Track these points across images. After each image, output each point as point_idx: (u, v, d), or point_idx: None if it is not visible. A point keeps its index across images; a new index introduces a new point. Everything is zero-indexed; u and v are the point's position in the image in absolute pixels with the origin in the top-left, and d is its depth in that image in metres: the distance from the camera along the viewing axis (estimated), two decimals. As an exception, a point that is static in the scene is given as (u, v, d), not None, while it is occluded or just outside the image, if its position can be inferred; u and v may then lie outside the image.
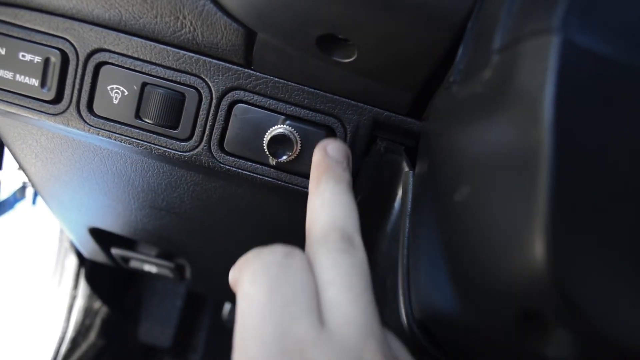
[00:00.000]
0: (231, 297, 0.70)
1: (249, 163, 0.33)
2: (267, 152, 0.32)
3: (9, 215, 0.76)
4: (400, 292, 0.31)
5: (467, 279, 0.22)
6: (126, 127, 0.34)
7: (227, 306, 0.74)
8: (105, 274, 0.73)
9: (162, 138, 0.34)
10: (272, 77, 0.32)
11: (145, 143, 0.34)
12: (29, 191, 0.78)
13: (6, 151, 0.79)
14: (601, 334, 0.17)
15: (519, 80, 0.19)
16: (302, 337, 0.18)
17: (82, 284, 0.70)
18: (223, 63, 0.32)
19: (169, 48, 0.32)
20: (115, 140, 0.34)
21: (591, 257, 0.17)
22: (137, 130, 0.34)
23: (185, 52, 0.32)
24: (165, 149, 0.34)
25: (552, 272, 0.17)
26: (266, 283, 0.19)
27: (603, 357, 0.18)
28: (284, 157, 0.32)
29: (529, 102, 0.18)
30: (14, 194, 0.77)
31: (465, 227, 0.22)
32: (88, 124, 0.34)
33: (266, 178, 0.33)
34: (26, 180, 0.76)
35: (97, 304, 0.71)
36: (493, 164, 0.21)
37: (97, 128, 0.34)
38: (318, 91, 0.32)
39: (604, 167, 0.18)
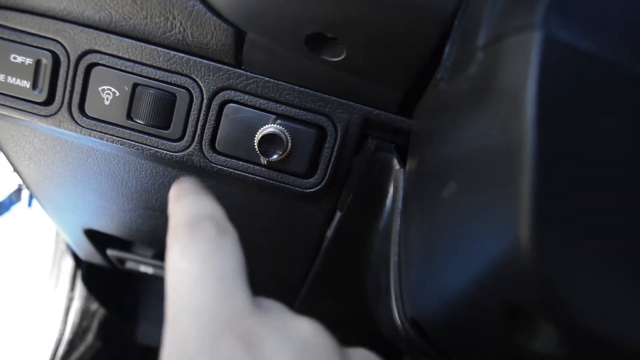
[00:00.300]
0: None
1: (241, 162, 0.33)
2: (258, 151, 0.32)
3: (5, 217, 0.76)
4: (392, 289, 0.32)
5: (454, 274, 0.22)
6: (118, 128, 0.34)
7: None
8: (102, 275, 0.73)
9: (154, 138, 0.34)
10: (262, 77, 0.32)
11: (137, 144, 0.34)
12: (25, 193, 0.78)
13: (0, 154, 0.79)
14: (585, 327, 0.17)
15: (502, 75, 0.19)
16: (239, 309, 0.18)
17: (79, 286, 0.70)
18: (213, 63, 0.32)
19: (159, 49, 0.32)
20: (107, 141, 0.34)
21: (575, 250, 0.17)
22: (129, 131, 0.34)
23: (175, 53, 0.32)
24: (156, 150, 0.34)
25: (535, 265, 0.17)
26: (198, 257, 0.19)
27: (588, 351, 0.18)
28: (275, 156, 0.32)
29: (512, 97, 0.19)
30: (10, 196, 0.77)
31: (452, 223, 0.22)
32: (80, 125, 0.34)
33: (257, 177, 0.34)
34: (21, 182, 0.76)
35: (95, 306, 0.71)
36: (478, 159, 0.21)
37: (89, 129, 0.34)
38: (308, 90, 0.32)
39: (586, 160, 0.18)
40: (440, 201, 0.24)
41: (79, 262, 0.70)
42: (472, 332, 0.22)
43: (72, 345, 0.68)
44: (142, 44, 0.32)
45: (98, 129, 0.34)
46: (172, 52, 0.32)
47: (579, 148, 0.18)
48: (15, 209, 0.78)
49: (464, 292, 0.22)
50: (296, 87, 0.32)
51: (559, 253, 0.17)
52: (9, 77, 0.34)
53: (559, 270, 0.17)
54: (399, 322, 0.30)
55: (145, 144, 0.34)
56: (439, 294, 0.23)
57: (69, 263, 0.69)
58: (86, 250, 0.58)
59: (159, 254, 0.57)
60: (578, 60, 0.18)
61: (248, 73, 0.32)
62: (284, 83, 0.32)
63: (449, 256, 0.23)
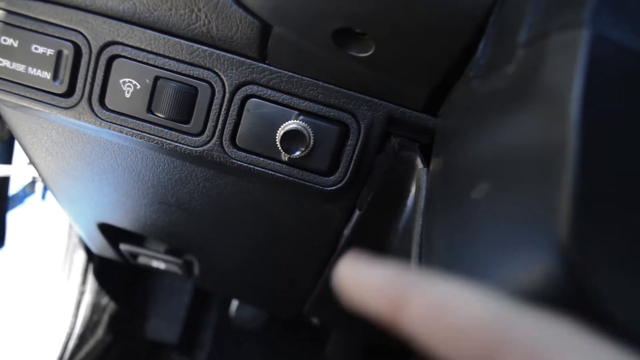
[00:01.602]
0: (237, 293, 0.70)
1: (261, 159, 0.33)
2: (280, 148, 0.31)
3: (19, 210, 0.76)
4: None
5: (484, 277, 0.22)
6: (138, 122, 0.33)
7: (234, 303, 0.74)
8: (114, 269, 0.73)
9: (174, 133, 0.33)
10: (286, 72, 0.31)
11: (157, 137, 0.33)
12: (39, 186, 0.78)
13: (16, 146, 0.79)
14: (623, 332, 0.17)
15: (546, 74, 0.19)
16: None
17: (90, 280, 0.70)
18: (237, 57, 0.31)
19: (182, 41, 0.32)
20: (126, 134, 0.34)
21: (616, 256, 0.17)
22: (149, 125, 0.33)
23: (198, 46, 0.32)
24: (176, 144, 0.33)
25: (575, 269, 0.16)
26: None
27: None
28: (297, 153, 0.31)
29: (557, 96, 0.18)
30: (24, 188, 0.77)
31: (483, 225, 0.22)
32: (100, 117, 0.34)
33: (278, 174, 0.33)
34: (36, 175, 0.76)
35: (105, 300, 0.71)
36: (514, 160, 0.20)
37: (109, 122, 0.34)
38: (332, 86, 0.31)
39: (630, 163, 0.17)
40: (469, 202, 0.23)
41: (91, 255, 0.70)
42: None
43: (82, 339, 0.68)
44: (165, 36, 0.32)
45: (118, 122, 0.34)
46: (196, 45, 0.32)
47: (625, 151, 0.17)
48: (29, 201, 0.78)
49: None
50: (320, 82, 0.31)
51: (598, 258, 0.17)
52: (30, 68, 0.33)
53: (597, 274, 0.17)
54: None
55: (165, 138, 0.33)
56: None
57: (81, 257, 0.69)
58: (99, 244, 0.57)
59: (172, 250, 0.57)
60: (628, 60, 0.18)
61: (272, 68, 0.32)
62: (307, 78, 0.31)
63: (478, 258, 0.22)
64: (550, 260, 0.17)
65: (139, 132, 0.34)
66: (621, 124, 0.17)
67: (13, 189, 0.75)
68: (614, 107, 0.17)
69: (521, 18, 0.21)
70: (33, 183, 0.77)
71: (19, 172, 0.72)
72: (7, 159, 0.72)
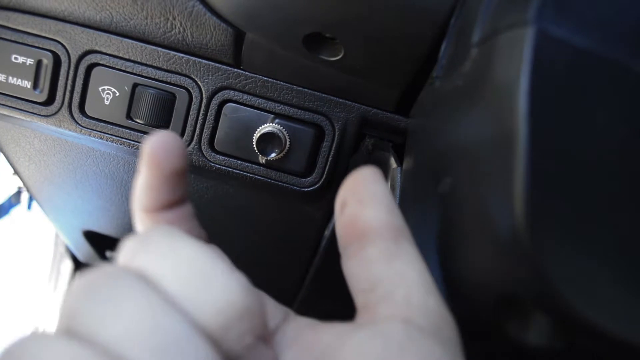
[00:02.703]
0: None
1: (239, 162, 0.34)
2: (256, 150, 0.32)
3: (4, 220, 0.76)
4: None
5: (451, 268, 0.23)
6: (117, 128, 0.34)
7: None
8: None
9: None
10: (261, 77, 0.32)
11: (137, 143, 0.34)
12: (24, 196, 0.78)
13: (0, 156, 0.79)
14: (579, 319, 0.18)
15: (495, 71, 0.20)
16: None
17: (78, 289, 0.69)
18: (213, 63, 0.32)
19: (159, 49, 0.32)
20: (107, 140, 0.34)
21: (569, 241, 0.18)
22: (129, 131, 0.34)
23: (175, 53, 0.32)
24: (156, 149, 0.34)
25: (530, 255, 0.17)
26: None
27: (583, 342, 0.18)
28: (273, 155, 0.32)
29: (504, 91, 0.19)
30: (9, 199, 0.77)
31: (448, 218, 0.23)
32: (80, 125, 0.34)
33: (256, 176, 0.34)
34: (21, 185, 0.76)
35: (93, 309, 0.71)
36: (471, 154, 0.21)
37: (89, 129, 0.34)
38: (306, 90, 0.32)
39: (578, 153, 0.18)
40: (435, 197, 0.24)
41: (78, 265, 0.70)
42: (466, 324, 0.23)
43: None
44: (142, 44, 0.33)
45: (98, 129, 0.34)
46: (172, 52, 0.32)
47: (571, 141, 0.18)
48: (15, 211, 0.78)
49: (459, 286, 0.22)
50: (294, 86, 0.32)
51: (553, 243, 0.17)
52: (10, 77, 0.34)
53: (553, 260, 0.17)
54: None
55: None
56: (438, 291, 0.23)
57: (68, 266, 0.69)
58: (85, 252, 0.58)
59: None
60: (571, 56, 0.19)
61: (247, 73, 0.32)
62: (282, 82, 0.32)
63: (444, 251, 0.23)
64: (507, 250, 0.18)
65: (119, 138, 0.34)
66: (566, 115, 0.18)
67: (-2, 200, 0.75)
68: (559, 99, 0.18)
69: (475, 18, 0.22)
70: (18, 193, 0.78)
71: (3, 182, 0.72)
72: (-7, 170, 0.72)
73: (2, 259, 0.74)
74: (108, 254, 0.56)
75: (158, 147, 0.19)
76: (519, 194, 0.17)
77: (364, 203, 0.19)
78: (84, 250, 0.57)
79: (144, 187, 0.20)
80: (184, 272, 0.15)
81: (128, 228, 0.48)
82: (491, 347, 0.22)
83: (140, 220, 0.21)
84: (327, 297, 0.50)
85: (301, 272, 0.46)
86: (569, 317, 0.17)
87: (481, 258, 0.20)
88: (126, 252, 0.16)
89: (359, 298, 0.19)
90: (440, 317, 0.18)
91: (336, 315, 0.56)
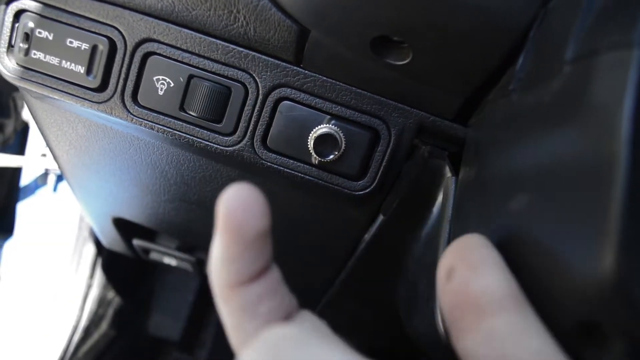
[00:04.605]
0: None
1: (291, 161, 0.33)
2: (312, 151, 0.32)
3: (30, 201, 0.76)
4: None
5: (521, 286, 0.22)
6: (170, 119, 0.34)
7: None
8: (121, 264, 0.73)
9: (205, 132, 0.33)
10: (320, 76, 0.32)
11: (188, 136, 0.34)
12: (51, 178, 0.78)
13: (29, 137, 0.79)
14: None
15: (595, 92, 0.19)
16: None
17: (98, 274, 0.70)
18: (272, 59, 0.32)
19: (218, 41, 0.32)
20: (157, 131, 0.34)
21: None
22: (181, 123, 0.34)
23: (234, 47, 0.32)
24: (207, 143, 0.34)
25: (622, 286, 0.17)
26: None
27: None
28: (331, 157, 0.31)
29: (606, 114, 0.18)
30: (36, 180, 0.77)
31: (521, 235, 0.22)
32: (131, 113, 0.34)
33: (308, 177, 0.33)
34: (48, 167, 0.76)
35: (111, 294, 0.71)
36: (558, 173, 0.20)
37: (140, 118, 0.34)
38: (365, 92, 0.32)
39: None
40: (506, 212, 0.24)
41: (100, 249, 0.70)
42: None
43: (87, 332, 0.68)
44: (201, 36, 0.32)
45: (150, 119, 0.34)
46: (231, 46, 0.32)
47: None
48: (41, 193, 0.78)
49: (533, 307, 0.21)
50: (353, 88, 0.32)
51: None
52: (64, 61, 0.33)
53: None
54: (442, 330, 0.30)
55: (196, 137, 0.34)
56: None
57: (90, 250, 0.69)
58: (111, 239, 0.57)
59: (183, 247, 0.57)
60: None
61: (306, 71, 0.32)
62: (341, 84, 0.32)
63: (517, 268, 0.23)
64: (595, 279, 0.17)
65: (170, 130, 0.34)
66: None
67: (25, 180, 0.75)
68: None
69: (567, 35, 0.22)
70: (45, 175, 0.77)
71: (31, 163, 0.72)
72: (20, 150, 0.72)
73: (26, 239, 0.74)
74: (135, 242, 0.56)
75: (237, 206, 0.16)
76: (614, 223, 0.17)
77: (477, 269, 0.17)
78: (110, 236, 0.57)
79: (224, 258, 0.17)
80: None
81: (161, 218, 0.47)
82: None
83: (223, 298, 0.17)
84: (355, 300, 0.50)
85: (333, 273, 0.46)
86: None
87: (560, 284, 0.20)
88: None
89: None
90: None
91: (360, 317, 0.56)
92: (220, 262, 0.17)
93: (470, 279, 0.17)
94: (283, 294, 0.18)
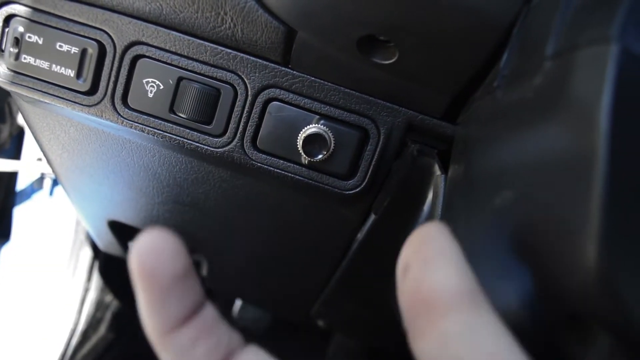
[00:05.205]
0: (244, 294, 0.70)
1: (281, 161, 0.33)
2: (302, 151, 0.32)
3: (26, 205, 0.76)
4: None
5: (508, 284, 0.22)
6: (160, 121, 0.34)
7: (237, 303, 0.74)
8: (118, 267, 0.73)
9: (195, 133, 0.34)
10: (308, 77, 0.32)
11: (178, 137, 0.34)
12: (47, 182, 0.78)
13: (25, 141, 0.79)
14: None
15: (575, 86, 0.19)
16: None
17: (95, 277, 0.70)
18: (260, 60, 0.32)
19: (206, 43, 0.32)
20: (148, 133, 0.34)
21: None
22: (171, 125, 0.34)
23: (222, 48, 0.32)
24: (197, 144, 0.34)
25: (604, 277, 0.17)
26: None
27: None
28: (320, 157, 0.32)
29: (585, 108, 0.18)
30: (32, 184, 0.77)
31: (506, 230, 0.22)
32: (122, 116, 0.34)
33: (297, 177, 0.34)
34: (44, 171, 0.76)
35: (109, 297, 0.71)
36: (541, 168, 0.21)
37: (131, 121, 0.34)
38: (354, 92, 0.32)
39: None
40: (492, 208, 0.24)
41: (96, 253, 0.70)
42: (524, 343, 0.22)
43: (85, 335, 0.68)
44: (190, 38, 0.32)
45: (140, 121, 0.34)
46: (220, 48, 0.32)
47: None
48: (37, 197, 0.78)
49: (517, 304, 0.21)
50: (342, 88, 0.32)
51: (628, 267, 0.17)
52: (54, 65, 0.34)
53: (626, 284, 0.17)
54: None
55: (186, 138, 0.34)
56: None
57: (87, 254, 0.69)
58: (107, 242, 0.58)
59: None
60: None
61: (294, 72, 0.32)
62: (329, 84, 0.32)
63: (501, 264, 0.23)
64: (579, 271, 0.17)
65: (160, 132, 0.34)
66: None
67: (21, 184, 0.75)
68: (641, 119, 0.18)
69: (548, 31, 0.22)
70: (41, 179, 0.78)
71: (27, 167, 0.72)
72: (16, 155, 0.72)
73: (22, 243, 0.74)
74: (131, 244, 0.56)
75: (148, 253, 0.15)
76: (595, 216, 0.17)
77: (430, 264, 0.15)
78: (106, 239, 0.57)
79: (147, 307, 0.16)
80: None
81: (155, 220, 0.47)
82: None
83: (158, 346, 0.17)
84: (351, 300, 0.50)
85: (328, 273, 0.46)
86: (634, 340, 0.17)
87: (546, 277, 0.20)
88: None
89: None
90: None
91: (359, 318, 0.56)
92: (145, 310, 0.16)
93: (424, 275, 0.15)
94: (221, 333, 0.17)
